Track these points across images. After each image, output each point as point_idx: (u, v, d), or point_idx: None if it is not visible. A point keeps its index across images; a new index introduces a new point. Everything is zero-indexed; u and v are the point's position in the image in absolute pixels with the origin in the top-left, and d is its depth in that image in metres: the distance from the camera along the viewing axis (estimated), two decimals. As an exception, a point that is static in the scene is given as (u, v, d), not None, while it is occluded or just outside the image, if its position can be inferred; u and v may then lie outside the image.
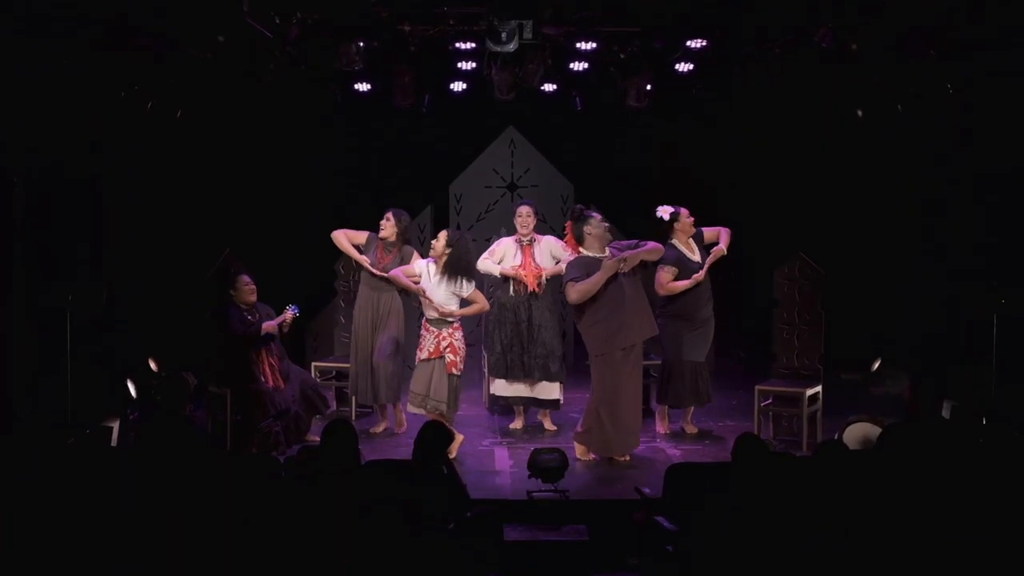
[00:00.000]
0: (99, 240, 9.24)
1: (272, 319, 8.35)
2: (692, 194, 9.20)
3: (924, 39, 8.33)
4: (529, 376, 8.71)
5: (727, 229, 8.67)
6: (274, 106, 10.03)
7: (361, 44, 8.88)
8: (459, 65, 9.64)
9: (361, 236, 8.81)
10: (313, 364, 9.48)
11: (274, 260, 10.18)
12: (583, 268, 7.95)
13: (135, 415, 8.57)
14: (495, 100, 9.75)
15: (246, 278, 8.31)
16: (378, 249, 8.71)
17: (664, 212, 8.58)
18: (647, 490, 6.53)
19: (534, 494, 7.01)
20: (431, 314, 8.03)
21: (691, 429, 8.81)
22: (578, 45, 9.10)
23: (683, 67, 9.51)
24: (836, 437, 7.58)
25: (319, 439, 5.72)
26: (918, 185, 9.68)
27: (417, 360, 8.09)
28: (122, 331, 9.26)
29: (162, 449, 5.67)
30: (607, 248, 7.97)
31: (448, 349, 7.98)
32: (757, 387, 8.53)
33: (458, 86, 10.09)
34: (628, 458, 8.01)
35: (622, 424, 7.90)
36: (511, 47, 8.67)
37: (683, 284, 8.43)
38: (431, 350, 7.99)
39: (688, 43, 9.05)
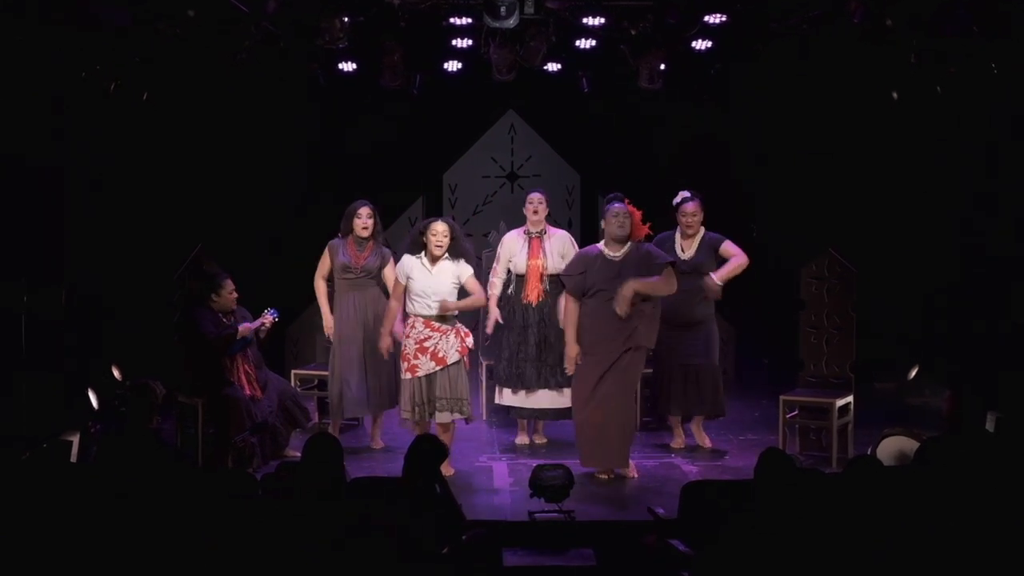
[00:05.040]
0: (58, 236, 9.23)
1: (249, 322, 8.34)
2: (710, 184, 9.20)
3: (966, 13, 8.32)
4: (544, 386, 8.68)
5: (741, 260, 8.41)
6: (250, 87, 10.03)
7: (346, 19, 8.88)
8: (454, 42, 9.64)
9: (325, 256, 8.66)
10: (293, 372, 9.48)
11: (250, 257, 10.18)
12: (579, 266, 8.01)
13: (97, 428, 8.55)
14: (493, 81, 9.76)
15: (231, 283, 8.28)
16: (349, 248, 8.59)
17: (679, 197, 8.59)
18: (660, 510, 6.52)
19: (536, 515, 7.01)
20: (431, 311, 7.95)
21: (705, 443, 8.79)
22: (585, 20, 9.10)
23: (700, 44, 9.52)
24: (869, 452, 7.58)
25: (299, 454, 5.71)
26: (960, 174, 9.67)
27: (435, 367, 7.88)
28: (83, 335, 9.25)
29: (126, 465, 5.66)
30: (624, 247, 7.93)
31: (468, 347, 8.01)
32: (782, 397, 8.51)
33: (453, 66, 10.09)
34: (609, 476, 7.98)
35: (594, 435, 7.90)
36: (511, 22, 8.67)
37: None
38: (458, 349, 7.94)
39: (706, 18, 9.05)
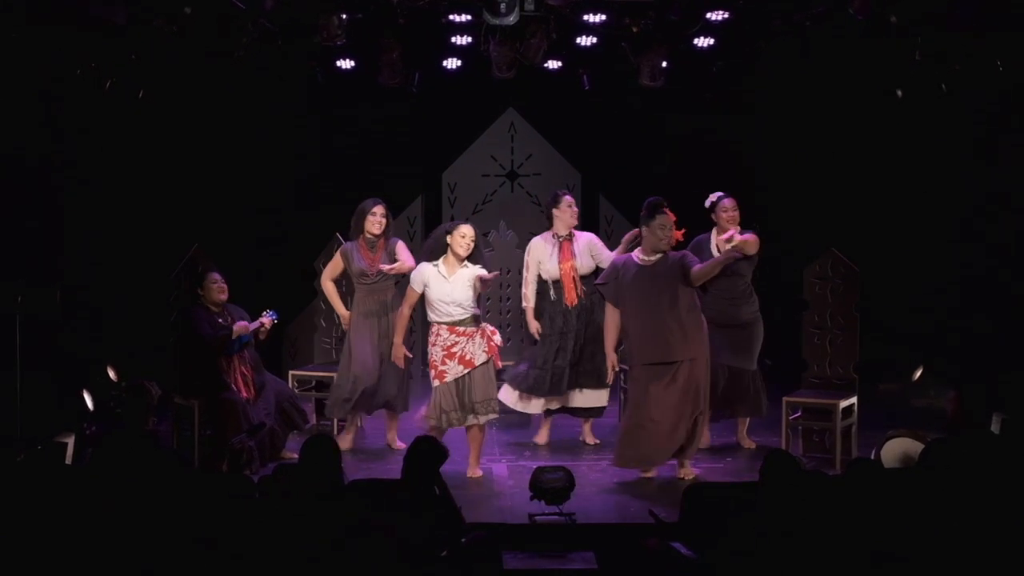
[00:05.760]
0: (53, 235, 9.22)
1: (246, 321, 8.33)
2: (711, 182, 9.18)
3: (970, 9, 8.31)
4: (576, 386, 8.76)
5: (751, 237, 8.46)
6: (247, 85, 10.02)
7: (344, 16, 8.87)
8: (453, 40, 9.63)
9: (338, 259, 8.69)
10: (291, 373, 9.45)
11: (247, 257, 10.17)
12: (611, 273, 8.01)
13: (92, 430, 8.55)
14: (493, 79, 9.74)
15: (215, 276, 8.30)
16: (363, 253, 8.59)
17: (711, 198, 8.56)
18: (662, 513, 6.51)
19: (536, 518, 7.01)
20: (453, 318, 7.93)
21: (748, 444, 8.79)
22: (585, 17, 9.09)
23: (702, 42, 9.50)
24: (873, 454, 7.57)
25: (297, 456, 5.70)
26: (964, 172, 9.66)
27: (464, 369, 7.89)
28: (78, 336, 9.24)
29: (122, 468, 5.65)
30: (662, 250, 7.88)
31: (497, 344, 8.05)
32: (785, 399, 8.50)
33: (452, 63, 10.07)
34: (654, 473, 8.01)
35: (636, 440, 7.89)
36: (511, 19, 8.65)
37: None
38: (485, 349, 7.96)
39: (708, 15, 9.04)
